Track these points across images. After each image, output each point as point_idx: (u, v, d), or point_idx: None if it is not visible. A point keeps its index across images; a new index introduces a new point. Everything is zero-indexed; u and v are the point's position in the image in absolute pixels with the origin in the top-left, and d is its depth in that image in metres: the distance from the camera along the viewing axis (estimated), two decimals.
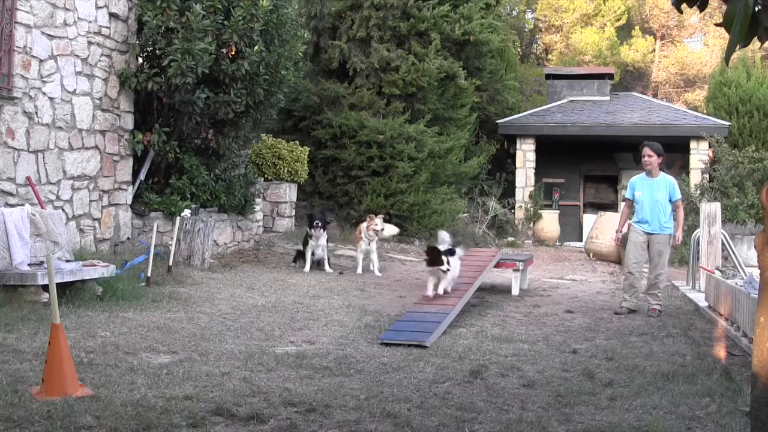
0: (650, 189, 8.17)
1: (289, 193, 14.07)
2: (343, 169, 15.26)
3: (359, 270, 11.11)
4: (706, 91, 24.13)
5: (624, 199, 8.68)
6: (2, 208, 7.03)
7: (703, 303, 8.34)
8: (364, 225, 11.20)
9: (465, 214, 17.57)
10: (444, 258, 7.53)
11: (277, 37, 10.90)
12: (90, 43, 9.03)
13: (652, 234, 8.16)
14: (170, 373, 4.71)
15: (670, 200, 8.17)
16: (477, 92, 17.75)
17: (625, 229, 8.50)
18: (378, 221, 11.07)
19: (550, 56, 30.59)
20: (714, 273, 8.48)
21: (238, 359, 5.24)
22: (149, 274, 8.26)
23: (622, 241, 8.64)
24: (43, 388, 4.05)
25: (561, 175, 20.51)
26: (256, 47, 10.19)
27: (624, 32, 30.48)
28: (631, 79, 29.90)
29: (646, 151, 8.20)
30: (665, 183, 8.20)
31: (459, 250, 8.16)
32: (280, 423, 3.85)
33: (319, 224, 10.80)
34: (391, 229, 11.92)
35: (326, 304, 8.08)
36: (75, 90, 8.81)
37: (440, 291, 7.56)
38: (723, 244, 9.85)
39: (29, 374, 4.46)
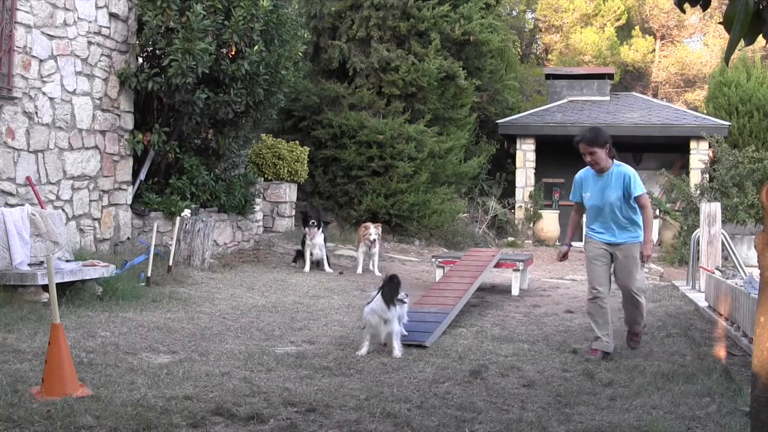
0: (600, 188, 6.01)
1: (289, 193, 14.07)
2: (343, 169, 15.26)
3: (359, 270, 11.13)
4: (706, 91, 24.11)
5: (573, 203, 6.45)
6: (2, 208, 7.03)
7: (703, 303, 8.33)
8: (363, 231, 11.26)
9: (465, 214, 17.57)
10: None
11: (277, 37, 10.90)
12: (90, 43, 9.03)
13: (616, 245, 6.04)
14: (170, 373, 4.70)
15: (631, 197, 5.98)
16: (477, 92, 17.74)
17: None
18: (372, 231, 11.05)
19: (550, 56, 30.59)
20: (714, 273, 8.47)
21: (238, 359, 5.24)
22: (149, 274, 8.26)
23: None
24: (43, 388, 4.05)
25: (561, 175, 20.48)
26: (256, 47, 10.19)
27: (624, 32, 30.47)
28: (631, 79, 29.89)
29: (584, 147, 5.95)
30: (619, 177, 5.96)
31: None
32: (280, 423, 3.84)
33: (315, 223, 10.81)
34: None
35: (326, 304, 8.08)
36: (75, 90, 8.81)
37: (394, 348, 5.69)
38: (723, 244, 9.85)
39: (29, 374, 4.46)
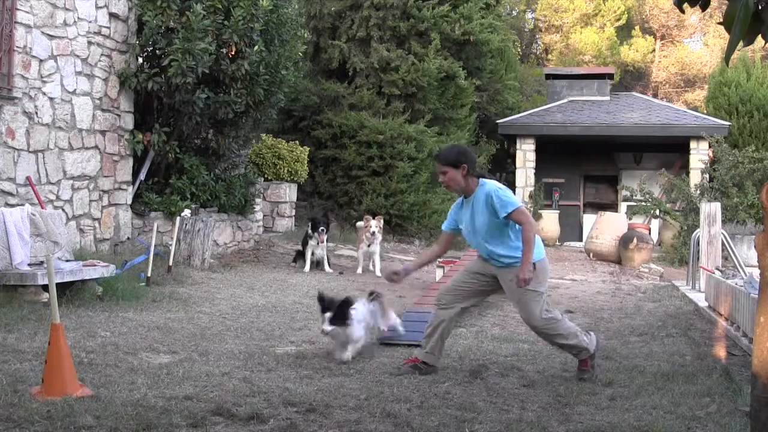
0: (470, 215, 5.15)
1: (289, 193, 14.07)
2: (343, 169, 15.26)
3: (359, 270, 11.11)
4: (706, 91, 24.13)
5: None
6: (2, 208, 7.03)
7: (703, 303, 8.34)
8: (364, 225, 11.22)
9: None
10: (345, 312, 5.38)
11: (277, 37, 10.90)
12: (90, 43, 9.03)
13: (500, 268, 5.10)
14: (170, 373, 4.70)
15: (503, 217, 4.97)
16: (477, 92, 17.75)
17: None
18: (373, 224, 10.95)
19: (550, 56, 30.60)
20: (714, 273, 8.48)
21: (238, 359, 5.24)
22: (149, 274, 8.26)
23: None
24: (43, 388, 4.05)
25: (561, 175, 20.52)
26: (256, 47, 10.19)
27: (624, 32, 30.49)
28: (631, 79, 29.90)
29: (437, 166, 5.28)
30: (481, 198, 5.04)
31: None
32: (280, 423, 3.84)
33: (324, 230, 10.81)
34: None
35: None
36: (75, 90, 8.80)
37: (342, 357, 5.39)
38: (723, 244, 9.85)
39: (29, 374, 4.45)
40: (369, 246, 11.07)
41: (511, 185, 19.39)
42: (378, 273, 10.81)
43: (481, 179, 5.17)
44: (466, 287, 5.26)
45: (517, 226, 4.99)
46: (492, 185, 5.09)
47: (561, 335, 5.11)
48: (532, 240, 4.91)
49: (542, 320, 5.06)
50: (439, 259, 10.16)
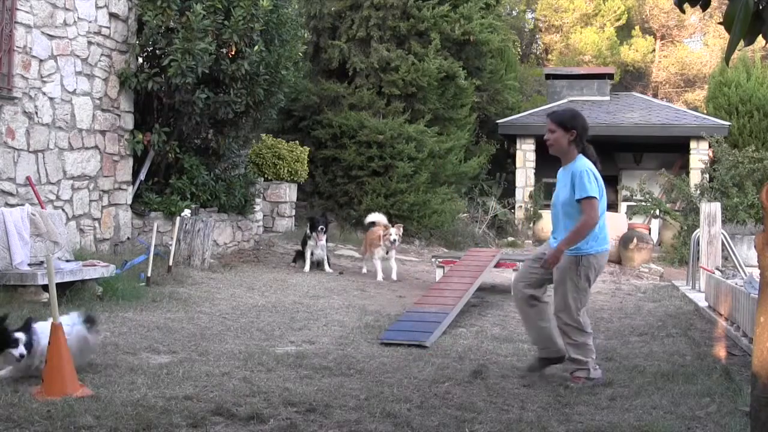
0: (559, 183, 5.30)
1: (289, 193, 14.07)
2: (343, 169, 15.27)
3: (364, 269, 10.97)
4: (706, 91, 24.13)
5: None
6: (2, 208, 7.03)
7: (703, 303, 8.34)
8: (382, 233, 10.72)
9: (465, 214, 17.57)
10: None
11: (277, 37, 10.90)
12: (90, 43, 9.03)
13: None
14: (170, 373, 4.70)
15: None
16: (477, 92, 17.75)
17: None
18: (393, 231, 10.62)
19: (550, 56, 30.60)
20: (714, 273, 8.48)
21: (238, 359, 5.24)
22: (149, 274, 8.26)
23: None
24: (43, 388, 4.05)
25: None
26: (256, 47, 10.19)
27: (624, 32, 30.48)
28: (631, 79, 29.90)
29: (549, 123, 5.26)
30: (569, 173, 5.13)
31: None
32: (280, 423, 3.84)
33: (323, 229, 10.76)
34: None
35: (326, 304, 8.08)
36: (75, 90, 8.80)
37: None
38: (723, 244, 9.85)
39: None
40: (387, 253, 10.68)
41: (511, 185, 19.40)
42: (379, 277, 10.52)
43: (581, 155, 5.12)
44: (526, 273, 5.27)
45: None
46: (585, 165, 5.04)
47: (576, 343, 5.04)
48: (582, 232, 4.86)
49: (572, 319, 4.99)
50: (439, 260, 10.18)
